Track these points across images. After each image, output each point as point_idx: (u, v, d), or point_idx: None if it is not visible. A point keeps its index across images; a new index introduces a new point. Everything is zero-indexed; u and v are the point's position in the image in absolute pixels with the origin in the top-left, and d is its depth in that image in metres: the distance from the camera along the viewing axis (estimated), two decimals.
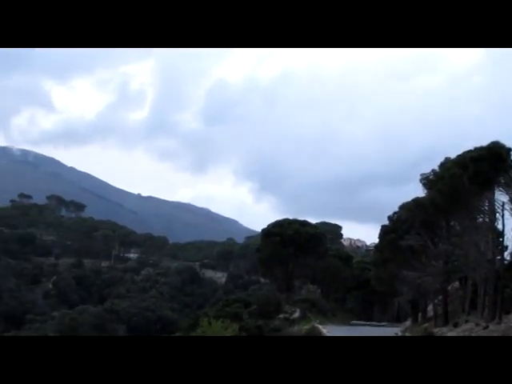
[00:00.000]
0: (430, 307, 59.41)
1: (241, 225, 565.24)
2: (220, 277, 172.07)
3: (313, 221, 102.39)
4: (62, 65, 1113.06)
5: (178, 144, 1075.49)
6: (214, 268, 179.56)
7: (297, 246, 78.67)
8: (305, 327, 60.15)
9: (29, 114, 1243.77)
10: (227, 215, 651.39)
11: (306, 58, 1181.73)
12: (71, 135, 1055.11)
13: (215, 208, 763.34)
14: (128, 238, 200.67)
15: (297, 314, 70.03)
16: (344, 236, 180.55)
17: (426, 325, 53.65)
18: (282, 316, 69.23)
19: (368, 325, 71.92)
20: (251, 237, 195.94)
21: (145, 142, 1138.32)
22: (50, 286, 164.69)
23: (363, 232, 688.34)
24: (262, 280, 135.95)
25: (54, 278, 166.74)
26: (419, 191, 56.35)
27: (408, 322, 66.99)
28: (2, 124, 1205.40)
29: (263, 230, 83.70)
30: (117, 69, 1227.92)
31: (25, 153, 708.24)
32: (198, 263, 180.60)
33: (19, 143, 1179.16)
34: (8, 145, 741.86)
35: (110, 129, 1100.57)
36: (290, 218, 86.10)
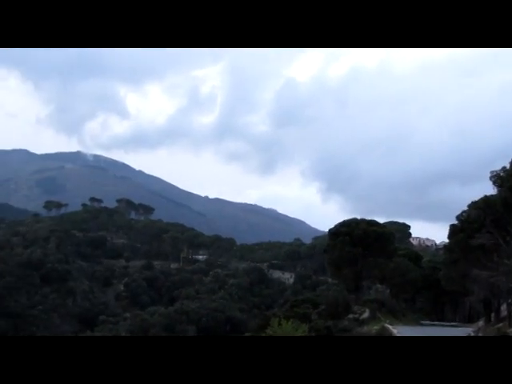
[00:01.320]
0: (504, 307, 57.97)
1: (308, 225, 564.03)
2: (288, 277, 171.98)
3: (381, 220, 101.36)
4: (134, 70, 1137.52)
5: (246, 146, 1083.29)
6: (281, 269, 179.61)
7: (365, 245, 77.89)
8: (374, 327, 59.52)
9: (101, 119, 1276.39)
10: (294, 216, 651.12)
11: (375, 57, 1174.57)
12: (141, 139, 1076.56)
13: (282, 209, 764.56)
14: (196, 240, 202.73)
15: (366, 315, 69.41)
16: (413, 235, 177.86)
17: (500, 325, 52.33)
18: (351, 316, 68.72)
19: (439, 325, 70.68)
20: (318, 237, 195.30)
21: (213, 144, 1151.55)
22: (122, 287, 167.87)
23: (433, 231, 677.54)
24: (330, 280, 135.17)
25: (125, 279, 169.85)
26: (490, 189, 55.04)
27: (481, 322, 65.46)
28: (76, 129, 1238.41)
29: (331, 230, 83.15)
30: (187, 73, 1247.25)
31: (96, 157, 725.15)
32: (265, 264, 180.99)
33: (91, 148, 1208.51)
34: (80, 150, 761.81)
35: (179, 132, 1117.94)
36: (358, 217, 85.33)
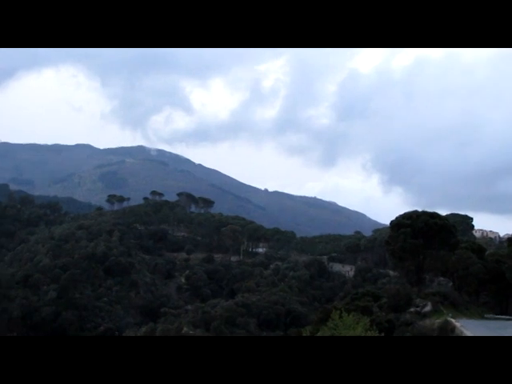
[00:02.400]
0: None
1: (368, 218, 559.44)
2: (348, 270, 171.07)
3: (442, 212, 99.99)
4: (199, 65, 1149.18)
5: (307, 139, 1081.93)
6: (341, 261, 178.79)
7: (427, 238, 76.87)
8: (437, 321, 58.81)
9: (164, 113, 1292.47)
10: (354, 208, 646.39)
11: (441, 48, 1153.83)
12: (203, 133, 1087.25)
13: (342, 202, 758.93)
14: (256, 233, 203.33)
15: (428, 308, 68.49)
16: (475, 227, 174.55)
17: None
18: (412, 309, 67.93)
19: (503, 319, 69.28)
20: (379, 230, 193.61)
21: (274, 137, 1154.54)
22: (183, 280, 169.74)
23: (497, 223, 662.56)
24: (391, 273, 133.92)
25: (187, 272, 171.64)
26: None
27: None
28: (139, 124, 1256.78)
29: (392, 223, 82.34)
30: (251, 67, 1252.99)
31: (157, 152, 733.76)
32: (325, 257, 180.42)
33: (152, 142, 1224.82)
34: (142, 144, 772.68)
35: (240, 126, 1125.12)
36: (419, 209, 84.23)
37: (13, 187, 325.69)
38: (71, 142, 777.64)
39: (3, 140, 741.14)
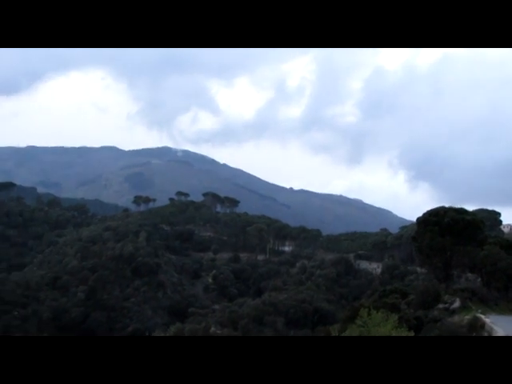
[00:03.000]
0: None
1: (394, 215, 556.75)
2: (375, 267, 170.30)
3: (469, 208, 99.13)
4: (224, 65, 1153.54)
5: (332, 137, 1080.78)
6: (368, 259, 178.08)
7: (454, 234, 76.33)
8: (466, 317, 58.38)
9: (189, 114, 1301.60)
10: (380, 206, 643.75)
11: None
12: (229, 133, 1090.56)
13: (368, 199, 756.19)
14: (282, 232, 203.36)
15: (457, 304, 68.00)
16: (503, 222, 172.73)
17: None
18: (441, 306, 67.51)
19: None
20: (405, 226, 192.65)
21: (299, 136, 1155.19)
22: (210, 280, 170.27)
23: None
24: (419, 270, 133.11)
25: (213, 272, 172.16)
26: None
27: None
28: (164, 125, 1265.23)
29: (418, 219, 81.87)
30: (276, 66, 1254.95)
31: (182, 152, 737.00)
32: (352, 254, 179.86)
33: (178, 143, 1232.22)
34: (167, 145, 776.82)
35: (266, 125, 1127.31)
36: (446, 205, 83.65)
37: (40, 190, 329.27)
38: (97, 145, 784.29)
39: (30, 143, 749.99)
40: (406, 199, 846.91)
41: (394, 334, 28.56)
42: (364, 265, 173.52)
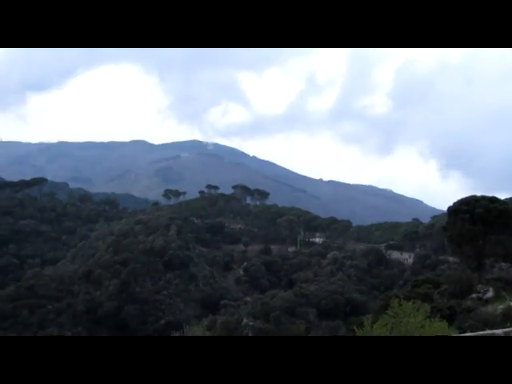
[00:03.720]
0: None
1: (425, 204, 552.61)
2: (406, 258, 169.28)
3: (502, 196, 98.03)
4: (254, 57, 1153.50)
5: (363, 127, 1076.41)
6: (399, 249, 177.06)
7: (486, 223, 75.64)
8: (500, 306, 57.92)
9: (219, 107, 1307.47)
10: (411, 195, 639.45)
11: None
12: (258, 126, 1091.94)
13: (398, 189, 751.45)
14: (312, 223, 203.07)
15: (490, 294, 67.44)
16: None
17: None
18: (474, 296, 67.01)
19: None
20: (437, 216, 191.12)
21: (330, 127, 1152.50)
22: (241, 272, 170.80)
23: None
24: (451, 259, 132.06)
25: (244, 264, 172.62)
26: None
27: None
28: (194, 118, 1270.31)
29: (449, 208, 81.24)
30: (306, 57, 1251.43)
31: (211, 145, 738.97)
32: (383, 245, 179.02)
33: (207, 136, 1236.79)
34: (195, 138, 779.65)
35: (296, 117, 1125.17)
36: (478, 194, 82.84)
37: (72, 185, 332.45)
38: (127, 139, 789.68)
39: (61, 139, 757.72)
40: (437, 188, 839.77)
41: (426, 324, 28.48)
42: (395, 255, 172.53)
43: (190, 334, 29.69)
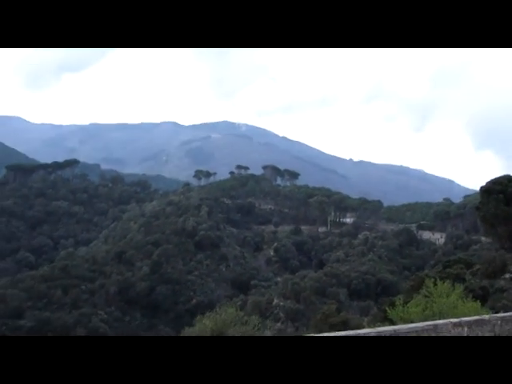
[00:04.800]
0: None
1: (457, 184, 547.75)
2: (438, 238, 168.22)
3: None
4: None
5: (394, 107, 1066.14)
6: (431, 229, 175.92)
7: None
8: None
9: (250, 87, 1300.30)
10: (442, 175, 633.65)
11: None
12: (288, 106, 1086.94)
13: (429, 169, 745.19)
14: (343, 203, 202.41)
15: None
16: None
17: None
18: (507, 276, 66.46)
19: None
20: (469, 196, 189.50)
21: (361, 107, 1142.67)
22: (272, 252, 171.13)
23: None
24: (484, 239, 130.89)
25: (275, 244, 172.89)
26: None
27: None
28: (225, 98, 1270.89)
29: (482, 188, 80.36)
30: None
31: (241, 126, 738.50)
32: (414, 225, 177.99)
33: (237, 117, 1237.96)
34: (226, 119, 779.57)
35: (327, 97, 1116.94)
36: (511, 174, 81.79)
37: (104, 166, 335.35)
38: (157, 120, 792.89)
39: (93, 121, 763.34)
40: (469, 168, 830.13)
41: (459, 305, 28.37)
42: (426, 235, 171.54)
43: (223, 314, 29.83)
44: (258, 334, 30.00)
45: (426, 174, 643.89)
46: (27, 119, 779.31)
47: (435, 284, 30.94)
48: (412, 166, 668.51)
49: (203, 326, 29.20)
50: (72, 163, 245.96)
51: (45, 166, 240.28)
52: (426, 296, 30.72)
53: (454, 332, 16.15)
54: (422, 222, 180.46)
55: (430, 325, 15.92)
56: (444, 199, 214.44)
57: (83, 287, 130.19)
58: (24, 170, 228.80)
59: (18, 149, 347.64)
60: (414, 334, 14.74)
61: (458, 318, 17.56)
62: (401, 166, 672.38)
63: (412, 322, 22.33)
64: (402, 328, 15.11)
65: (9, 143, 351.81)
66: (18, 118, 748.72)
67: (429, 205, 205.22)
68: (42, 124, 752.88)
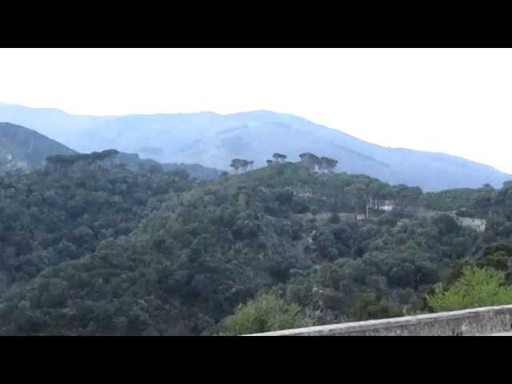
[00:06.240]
0: None
1: (497, 170, 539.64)
2: (478, 224, 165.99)
3: None
4: None
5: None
6: (471, 216, 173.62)
7: None
8: None
9: (285, 75, 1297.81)
10: (482, 161, 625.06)
11: None
12: (325, 94, 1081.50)
13: (469, 155, 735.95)
14: (381, 191, 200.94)
15: None
16: None
17: None
18: None
19: None
20: (509, 182, 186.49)
21: (398, 93, 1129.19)
22: (310, 240, 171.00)
23: None
24: None
25: (313, 232, 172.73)
26: None
27: None
28: (261, 86, 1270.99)
29: None
30: None
31: (278, 114, 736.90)
32: (454, 212, 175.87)
33: (273, 105, 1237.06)
34: (263, 108, 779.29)
35: (362, 84, 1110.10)
36: None
37: (142, 156, 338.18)
38: (195, 110, 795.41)
39: (131, 112, 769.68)
40: (509, 154, 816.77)
41: (500, 292, 28.05)
42: (467, 222, 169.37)
43: (263, 302, 29.96)
44: (297, 321, 30.05)
45: (466, 160, 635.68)
46: (66, 111, 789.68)
47: (473, 271, 30.62)
48: (451, 153, 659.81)
49: (245, 315, 29.36)
50: (111, 153, 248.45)
51: (84, 157, 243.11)
52: (465, 284, 30.43)
53: (496, 320, 15.98)
54: (462, 209, 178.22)
55: (472, 312, 15.77)
56: (484, 185, 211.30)
57: (123, 276, 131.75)
58: (64, 160, 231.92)
59: (58, 140, 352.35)
60: (454, 322, 14.64)
61: (499, 306, 17.37)
62: (440, 152, 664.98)
63: (452, 309, 22.18)
64: (442, 316, 14.99)
65: (49, 135, 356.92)
66: (58, 110, 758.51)
67: (469, 191, 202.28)
68: (81, 115, 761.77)
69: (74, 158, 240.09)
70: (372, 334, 12.11)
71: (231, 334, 27.30)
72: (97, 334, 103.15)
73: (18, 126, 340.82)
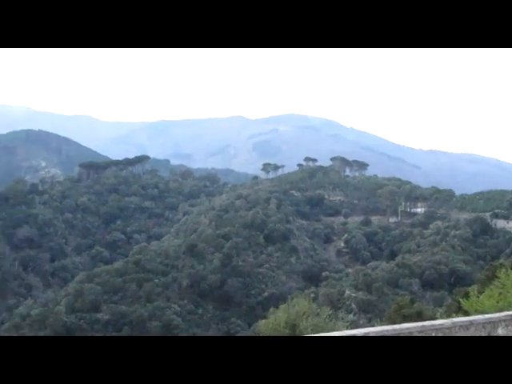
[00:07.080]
0: None
1: None
2: None
3: None
4: None
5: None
6: (506, 218, 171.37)
7: None
8: None
9: (315, 79, 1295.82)
10: None
11: None
12: (355, 96, 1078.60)
13: (503, 156, 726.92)
14: (413, 193, 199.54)
15: None
16: None
17: None
18: None
19: None
20: None
21: (429, 95, 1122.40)
22: (342, 244, 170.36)
23: None
24: None
25: (345, 236, 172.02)
26: None
27: None
28: (291, 91, 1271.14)
29: None
30: None
31: (308, 118, 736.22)
32: (488, 214, 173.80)
33: (303, 109, 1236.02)
34: (291, 112, 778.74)
35: (392, 86, 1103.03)
36: None
37: (173, 162, 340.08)
38: (224, 115, 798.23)
39: (161, 118, 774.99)
40: None
41: None
42: (501, 224, 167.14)
43: (295, 306, 29.94)
44: (330, 325, 29.95)
45: (500, 161, 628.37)
46: (97, 117, 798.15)
47: (507, 274, 30.18)
48: (485, 154, 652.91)
49: (277, 319, 29.36)
50: (142, 159, 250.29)
51: (116, 163, 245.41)
52: (499, 287, 29.99)
53: None
54: (496, 211, 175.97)
55: (508, 315, 15.61)
56: None
57: (156, 281, 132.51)
58: (96, 167, 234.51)
59: (90, 146, 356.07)
60: (490, 325, 14.50)
61: None
62: (473, 154, 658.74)
63: (487, 313, 21.96)
64: (477, 318, 14.87)
65: (81, 141, 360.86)
66: (89, 117, 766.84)
67: (503, 193, 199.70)
68: (112, 122, 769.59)
69: (106, 165, 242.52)
70: None
71: None
72: None
73: (51, 134, 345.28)
